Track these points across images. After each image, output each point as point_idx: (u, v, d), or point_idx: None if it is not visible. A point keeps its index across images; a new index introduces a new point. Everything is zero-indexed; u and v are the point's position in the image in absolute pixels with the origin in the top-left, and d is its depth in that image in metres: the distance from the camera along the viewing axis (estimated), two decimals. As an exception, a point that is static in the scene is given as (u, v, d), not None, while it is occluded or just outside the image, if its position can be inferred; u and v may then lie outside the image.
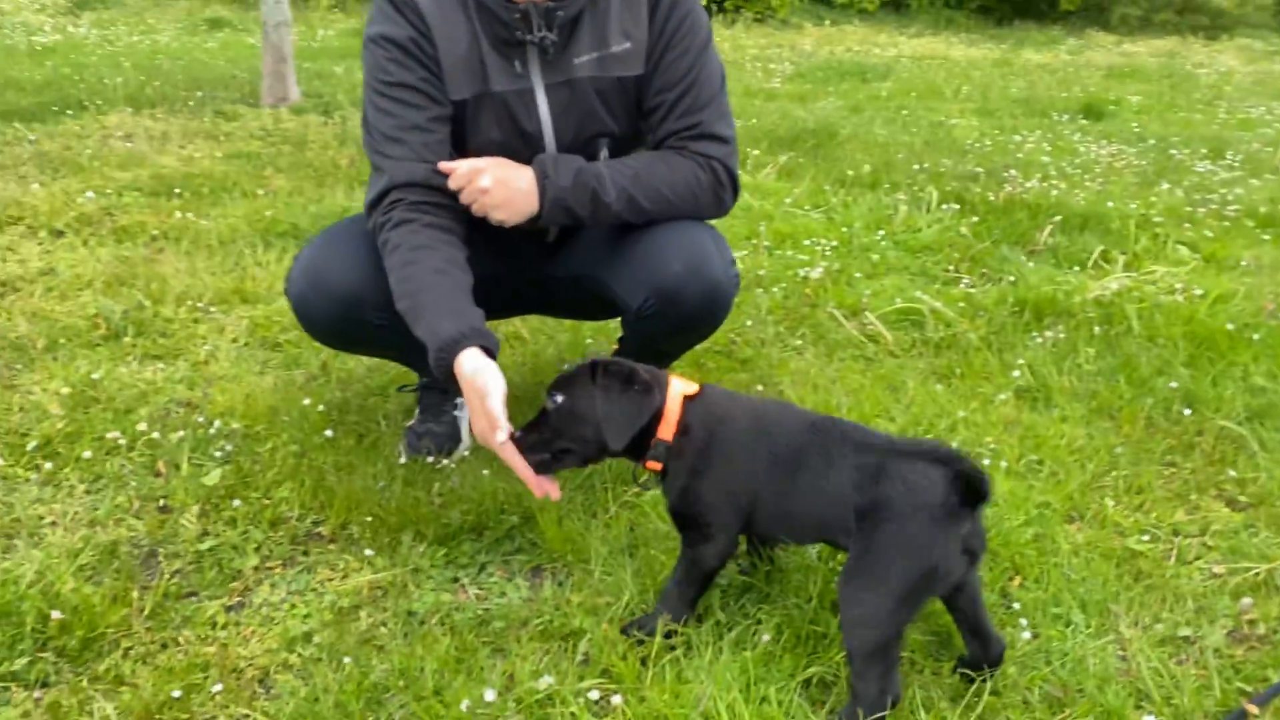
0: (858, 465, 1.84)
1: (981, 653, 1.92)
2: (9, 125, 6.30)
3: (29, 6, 12.32)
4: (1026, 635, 2.06)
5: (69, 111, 6.78)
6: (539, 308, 2.98)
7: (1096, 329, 3.63)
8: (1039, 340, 3.55)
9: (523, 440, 2.03)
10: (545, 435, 2.02)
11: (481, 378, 2.07)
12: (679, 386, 2.01)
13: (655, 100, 2.46)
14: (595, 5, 2.36)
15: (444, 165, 2.33)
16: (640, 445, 1.98)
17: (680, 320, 2.49)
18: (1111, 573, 2.31)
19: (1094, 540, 2.44)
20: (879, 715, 1.76)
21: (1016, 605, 2.17)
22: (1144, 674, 1.98)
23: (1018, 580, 2.28)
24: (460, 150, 2.42)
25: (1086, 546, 2.41)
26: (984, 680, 1.90)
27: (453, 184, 2.33)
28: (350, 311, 2.44)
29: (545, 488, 2.07)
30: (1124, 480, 2.71)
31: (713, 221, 2.58)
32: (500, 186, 2.32)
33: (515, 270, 2.69)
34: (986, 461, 2.71)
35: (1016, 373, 3.28)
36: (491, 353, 2.15)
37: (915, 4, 16.50)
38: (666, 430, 1.97)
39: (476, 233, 2.48)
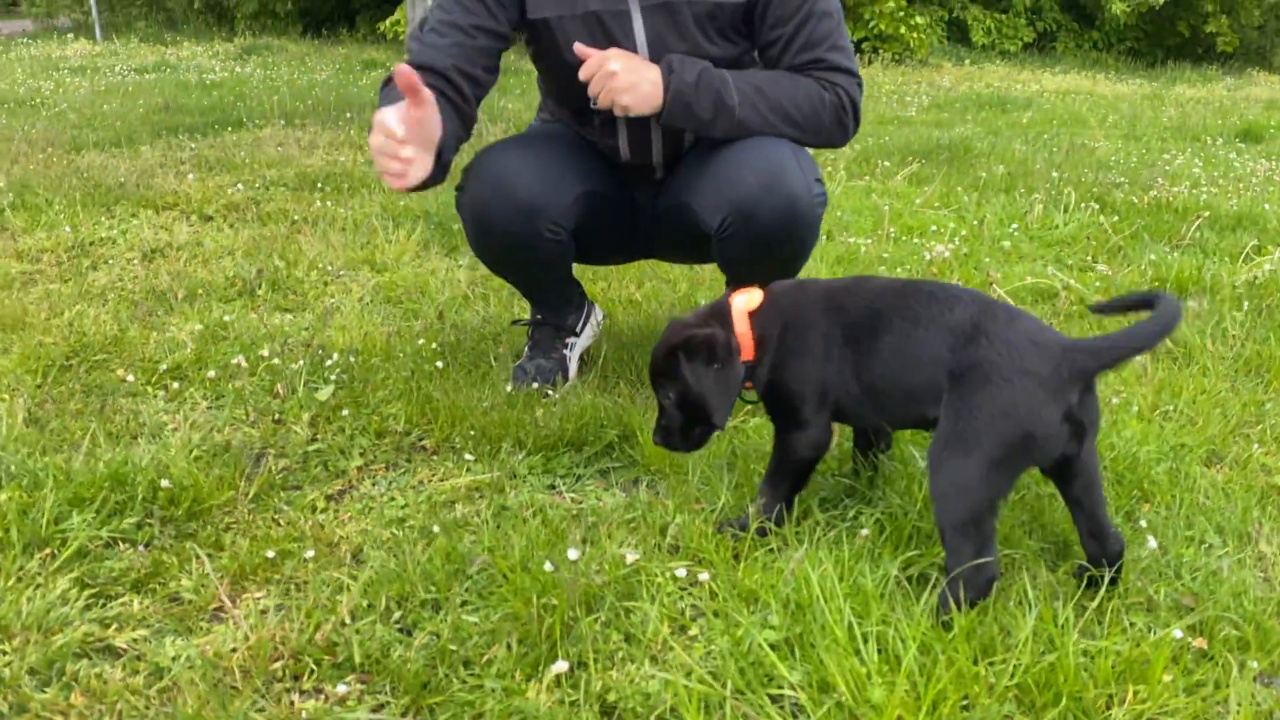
0: (951, 325, 1.74)
1: (1099, 550, 1.78)
2: (174, 137, 6.73)
3: (203, 54, 13.22)
4: (1152, 544, 1.91)
5: (229, 128, 7.20)
6: (647, 251, 2.96)
7: (1245, 304, 3.40)
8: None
9: (666, 440, 2.01)
10: (675, 424, 1.99)
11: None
12: (740, 305, 1.97)
13: (770, 35, 2.44)
14: None
15: (580, 48, 2.35)
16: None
17: (759, 238, 2.39)
18: (1254, 502, 2.13)
19: (1235, 479, 2.25)
20: (978, 594, 1.65)
21: (1144, 523, 2.02)
22: (1288, 587, 1.80)
23: (1147, 507, 2.12)
24: (551, 67, 2.52)
25: (1226, 483, 2.23)
26: (1102, 578, 1.75)
27: (583, 73, 2.34)
28: (530, 221, 2.47)
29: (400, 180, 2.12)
30: (1272, 430, 2.51)
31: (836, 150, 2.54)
32: (628, 71, 2.32)
33: (625, 208, 2.70)
34: (1114, 402, 2.55)
35: (1154, 334, 3.08)
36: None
37: (1060, 46, 16.10)
38: (746, 354, 1.94)
39: (587, 165, 2.54)
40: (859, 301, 1.88)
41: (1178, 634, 1.62)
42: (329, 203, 4.99)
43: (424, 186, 2.21)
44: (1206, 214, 4.74)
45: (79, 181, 5.21)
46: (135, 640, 1.71)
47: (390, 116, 2.07)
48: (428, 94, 2.06)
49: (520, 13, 2.45)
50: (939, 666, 1.52)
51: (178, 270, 3.84)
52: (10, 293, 3.51)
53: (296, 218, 4.72)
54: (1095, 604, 1.71)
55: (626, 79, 2.32)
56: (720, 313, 1.98)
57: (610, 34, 2.41)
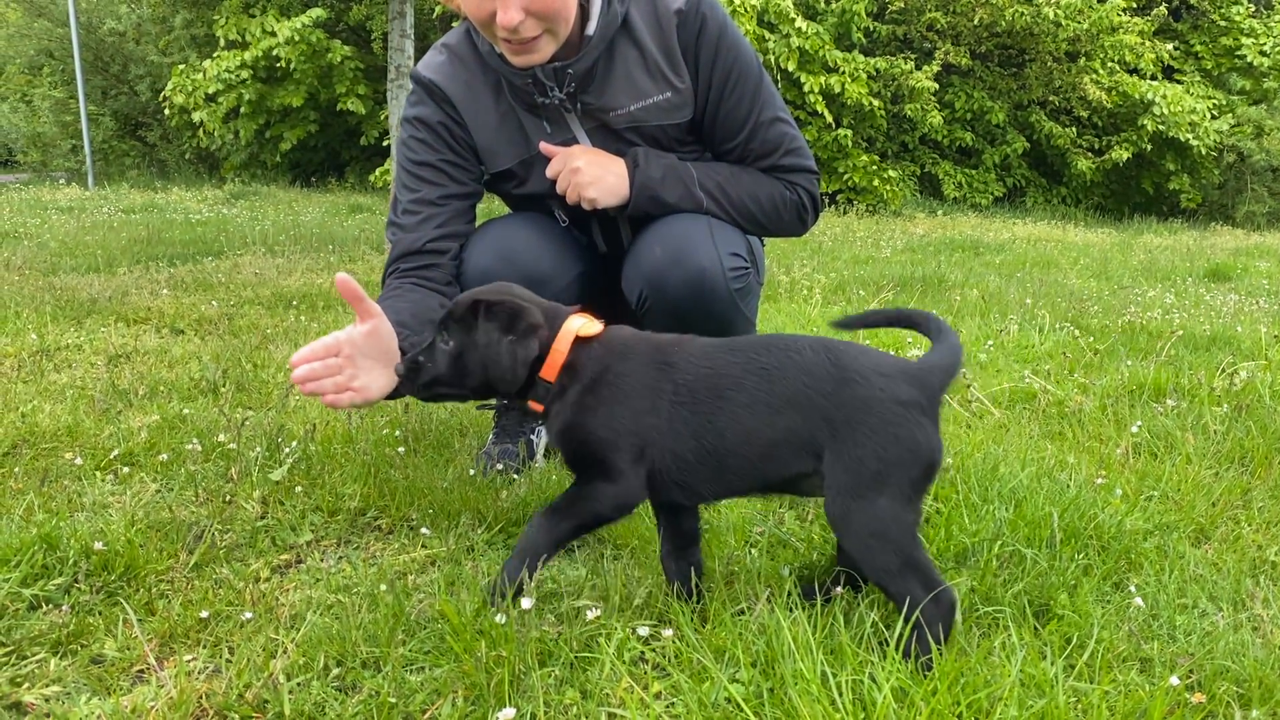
0: (806, 368, 1.64)
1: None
2: (153, 263, 6.75)
3: (191, 199, 13.46)
4: (1139, 602, 1.80)
5: (209, 257, 7.24)
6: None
7: (1224, 406, 3.36)
8: (1159, 410, 3.30)
9: (410, 370, 1.86)
10: (431, 368, 1.85)
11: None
12: (575, 325, 1.82)
13: (723, 148, 2.45)
14: (614, 57, 2.33)
15: (545, 146, 2.36)
16: (529, 383, 1.82)
17: (673, 312, 2.33)
18: (1246, 571, 2.03)
19: (1225, 554, 2.16)
20: (946, 623, 1.56)
21: (1133, 588, 1.91)
22: (1288, 647, 1.69)
23: (1136, 577, 2.02)
24: (518, 202, 2.58)
25: (1218, 558, 2.14)
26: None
27: (549, 170, 2.35)
28: (534, 289, 2.41)
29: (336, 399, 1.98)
30: (1261, 513, 2.43)
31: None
32: (592, 165, 2.32)
33: (608, 292, 2.66)
34: (1099, 482, 2.47)
35: (1135, 427, 3.03)
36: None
37: (1030, 200, 16.60)
38: (550, 370, 1.79)
39: (579, 247, 2.56)
40: (691, 359, 1.74)
41: (1175, 680, 1.51)
42: (303, 318, 4.97)
43: (394, 395, 2.10)
44: (1180, 333, 4.76)
45: (51, 297, 5.18)
46: (47, 698, 1.57)
47: (329, 338, 2.00)
48: (373, 306, 2.00)
49: (481, 171, 2.48)
50: (918, 714, 1.40)
51: (142, 372, 3.77)
52: (-34, 389, 3.42)
53: (269, 330, 4.68)
54: (1085, 657, 1.59)
55: (591, 173, 2.31)
56: (552, 316, 1.84)
57: None
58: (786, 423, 1.63)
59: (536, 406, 1.82)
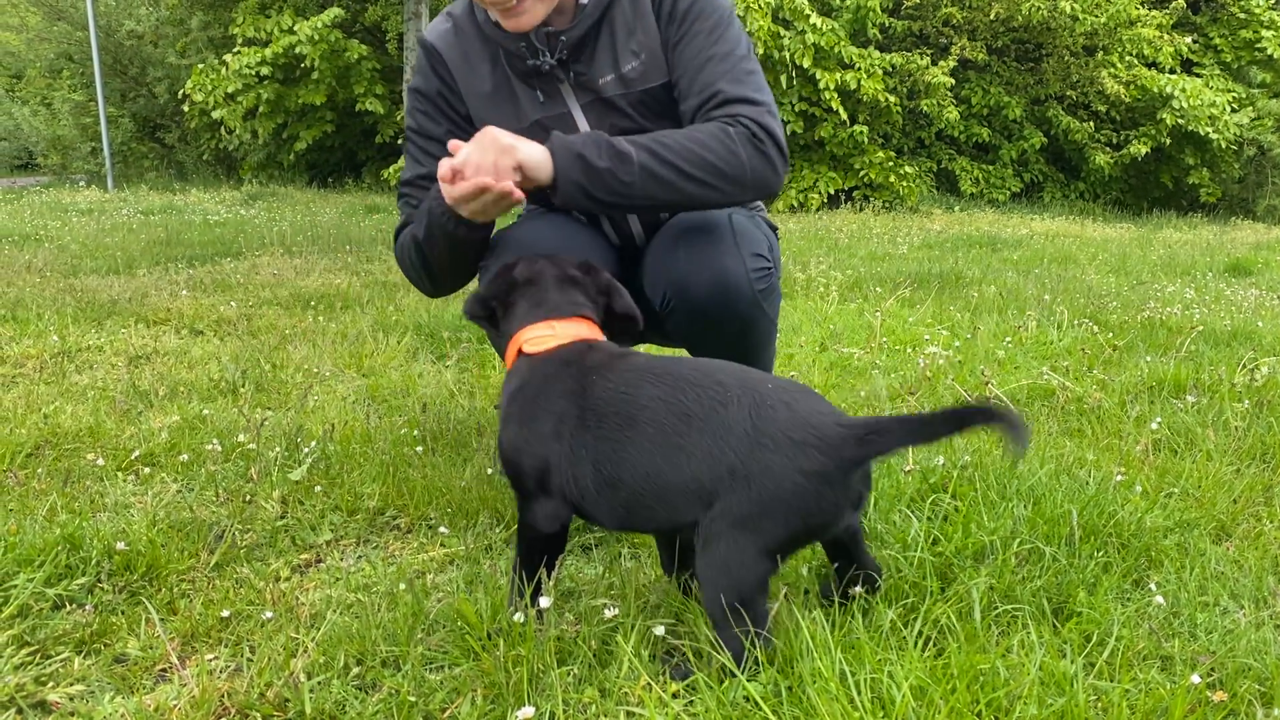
0: (728, 425, 1.58)
1: (861, 570, 1.79)
2: (171, 264, 6.80)
3: (209, 200, 13.53)
4: (1160, 600, 1.79)
5: (227, 258, 7.28)
6: (643, 336, 2.89)
7: (1246, 402, 3.34)
8: (1179, 407, 3.28)
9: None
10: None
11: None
12: (535, 333, 1.84)
13: (677, 93, 2.32)
14: (606, 26, 2.30)
15: (453, 144, 2.08)
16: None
17: (697, 315, 2.29)
18: (1269, 569, 2.02)
19: (1247, 551, 2.15)
20: (738, 653, 1.57)
21: (1153, 587, 1.91)
22: (1311, 644, 1.68)
23: (1156, 574, 2.01)
24: None
25: (1239, 555, 2.13)
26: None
27: (455, 162, 2.04)
28: None
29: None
30: (1283, 510, 2.41)
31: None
32: (476, 152, 2.01)
33: (615, 276, 2.64)
34: (1118, 479, 2.46)
35: (1155, 423, 3.02)
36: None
37: (1048, 195, 16.50)
38: (508, 359, 1.90)
39: (600, 244, 2.50)
40: (612, 385, 1.70)
41: (1195, 679, 1.50)
42: (321, 318, 4.99)
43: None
44: (1201, 328, 4.73)
45: (72, 299, 5.22)
46: (71, 696, 1.59)
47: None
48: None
49: None
50: (937, 712, 1.40)
51: (162, 373, 3.79)
52: (-11, 391, 3.45)
53: (287, 331, 4.70)
54: (1105, 655, 1.59)
55: (473, 158, 2.02)
56: (531, 305, 1.90)
57: None
58: (695, 473, 1.59)
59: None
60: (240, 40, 15.09)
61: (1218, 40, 17.46)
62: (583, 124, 2.37)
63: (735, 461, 1.55)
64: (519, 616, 1.64)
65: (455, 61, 2.40)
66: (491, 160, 1.98)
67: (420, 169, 2.45)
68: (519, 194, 1.99)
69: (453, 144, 2.06)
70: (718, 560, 1.55)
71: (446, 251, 2.26)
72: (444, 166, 2.02)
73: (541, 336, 1.83)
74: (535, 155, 2.02)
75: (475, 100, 2.41)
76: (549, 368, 1.78)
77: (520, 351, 1.84)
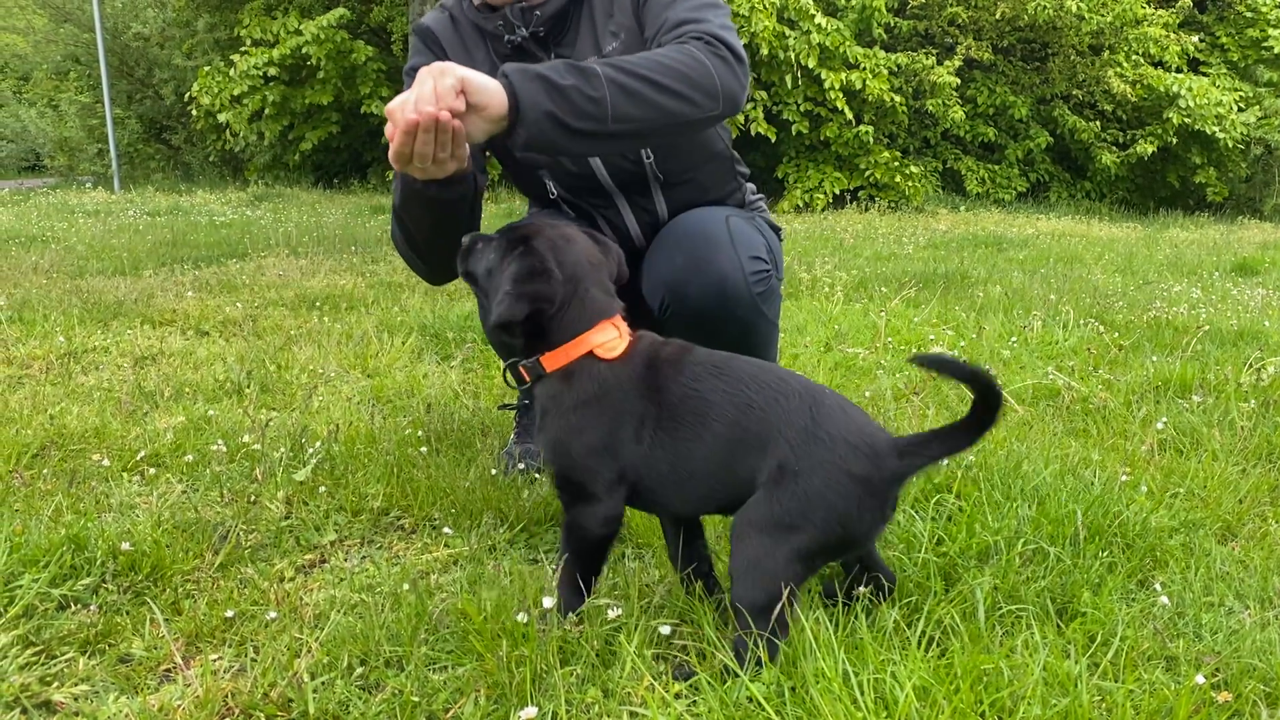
0: (787, 419, 1.62)
1: (877, 581, 1.80)
2: (177, 265, 6.81)
3: (215, 201, 13.56)
4: (1165, 601, 1.79)
5: (233, 259, 7.29)
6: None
7: (1252, 401, 3.33)
8: (1185, 407, 3.28)
9: (466, 249, 1.90)
10: (474, 259, 1.89)
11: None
12: (600, 338, 1.76)
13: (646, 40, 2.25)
14: (586, 5, 2.30)
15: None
16: (530, 345, 1.79)
17: (695, 319, 2.29)
18: (1273, 569, 2.01)
19: (1252, 551, 2.14)
20: (770, 650, 1.58)
21: (1158, 587, 1.90)
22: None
23: (1161, 574, 2.00)
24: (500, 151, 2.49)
25: (1245, 555, 2.12)
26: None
27: (404, 97, 1.82)
28: None
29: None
30: (1289, 510, 2.40)
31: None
32: (412, 89, 1.81)
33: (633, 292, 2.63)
34: (1124, 479, 2.45)
35: (1161, 423, 3.01)
36: None
37: (1054, 195, 16.46)
38: (551, 359, 1.77)
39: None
40: (683, 384, 1.71)
41: (1200, 679, 1.50)
42: (326, 319, 5.00)
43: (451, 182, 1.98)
44: (1206, 328, 4.72)
45: (78, 300, 5.24)
46: (75, 696, 1.59)
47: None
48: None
49: None
50: (940, 712, 1.40)
51: (168, 374, 3.80)
52: (-5, 391, 3.46)
53: (293, 332, 4.71)
54: (1109, 656, 1.59)
55: (418, 89, 1.80)
56: (584, 304, 1.78)
57: None
58: (753, 464, 1.63)
59: (525, 376, 1.80)
60: (248, 41, 15.13)
61: (1224, 39, 17.42)
62: None
63: (787, 453, 1.59)
64: (522, 617, 1.64)
65: (451, 44, 2.41)
66: (430, 89, 1.76)
67: None
68: (457, 124, 1.77)
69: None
70: (749, 560, 1.57)
71: (425, 217, 2.15)
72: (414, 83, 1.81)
73: (612, 341, 1.78)
74: (482, 78, 1.81)
75: None
76: (632, 371, 1.75)
77: (592, 355, 1.76)
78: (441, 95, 1.74)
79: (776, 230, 2.62)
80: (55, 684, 1.62)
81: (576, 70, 1.88)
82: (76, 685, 1.62)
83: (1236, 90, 16.35)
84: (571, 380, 1.75)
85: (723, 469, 1.66)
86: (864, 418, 1.66)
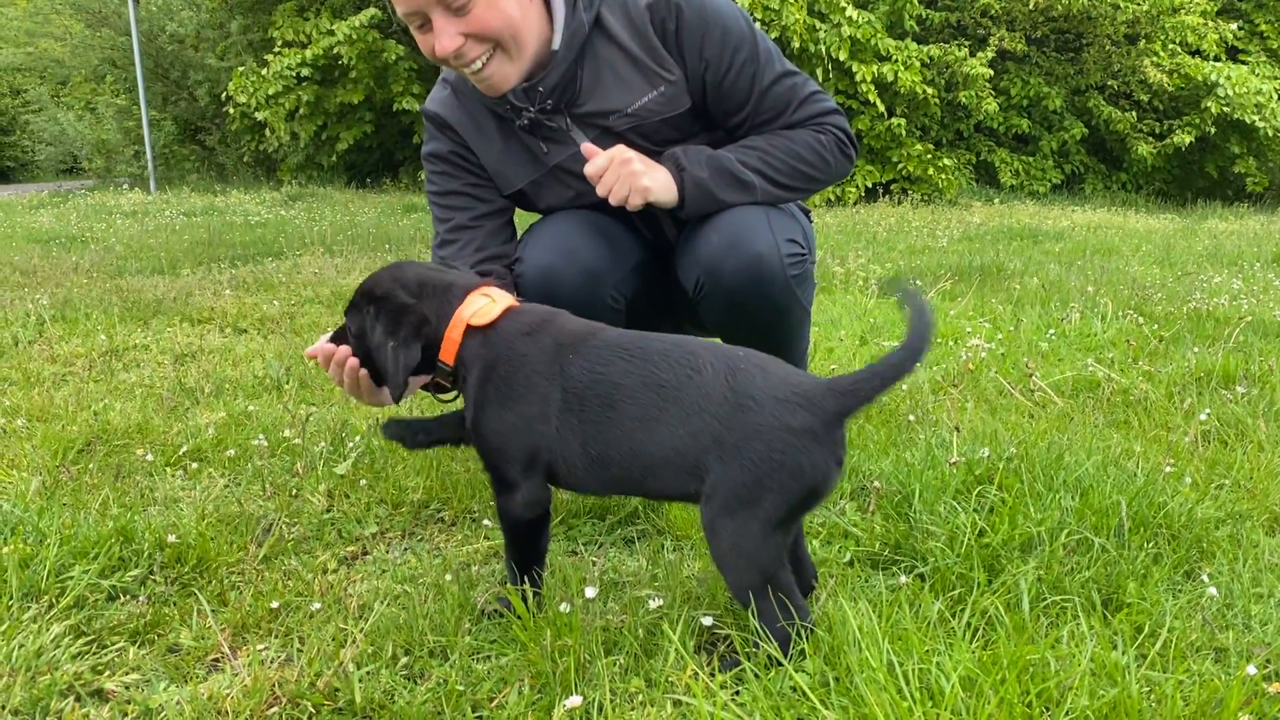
0: (705, 391, 1.59)
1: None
2: (214, 265, 6.89)
3: (250, 201, 13.70)
4: (1213, 592, 1.77)
5: (269, 258, 7.37)
6: (678, 325, 2.88)
7: (1298, 392, 3.28)
8: (1229, 398, 3.23)
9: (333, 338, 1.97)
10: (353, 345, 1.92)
11: None
12: (470, 310, 1.76)
13: (733, 122, 2.38)
14: (596, 62, 2.29)
15: (586, 147, 2.23)
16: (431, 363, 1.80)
17: (730, 299, 2.30)
18: (1325, 562, 1.98)
19: (1302, 543, 2.11)
20: (783, 640, 1.57)
21: (1205, 578, 1.88)
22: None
23: (1209, 566, 1.98)
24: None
25: (1293, 547, 2.09)
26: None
27: (591, 168, 2.20)
28: (595, 288, 2.36)
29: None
30: (1338, 501, 2.36)
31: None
32: (641, 160, 2.19)
33: (665, 280, 2.64)
34: (1167, 470, 2.43)
35: (1205, 414, 2.97)
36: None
37: (1089, 186, 16.29)
38: (446, 354, 1.77)
39: (636, 235, 2.52)
40: (586, 365, 1.67)
41: (1251, 670, 1.48)
42: (362, 316, 5.03)
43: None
44: (1249, 319, 4.65)
45: (118, 299, 5.31)
46: (127, 685, 1.62)
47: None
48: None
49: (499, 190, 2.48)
50: (986, 703, 1.39)
51: (208, 371, 3.84)
52: (41, 389, 3.51)
53: (329, 329, 4.74)
54: (1157, 647, 1.57)
55: (644, 164, 2.20)
56: (448, 293, 1.78)
57: (579, 175, 2.32)
58: (678, 445, 1.59)
59: (444, 385, 1.81)
60: (280, 42, 15.27)
61: (1264, 26, 17.15)
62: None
63: (719, 429, 1.56)
64: (565, 607, 1.65)
65: (463, 124, 2.42)
66: (624, 194, 2.18)
67: (448, 223, 2.45)
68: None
69: (585, 147, 2.21)
70: (728, 547, 1.56)
71: None
72: (602, 156, 2.19)
73: (484, 307, 1.76)
74: (664, 194, 2.22)
75: (490, 157, 2.42)
76: (517, 345, 1.72)
77: (469, 328, 1.75)
78: (632, 196, 2.19)
79: (807, 214, 2.62)
80: (107, 673, 1.65)
81: (738, 184, 2.27)
82: (127, 674, 1.65)
83: (1277, 79, 16.09)
84: (467, 361, 1.75)
85: (639, 450, 1.62)
86: (786, 369, 1.62)
